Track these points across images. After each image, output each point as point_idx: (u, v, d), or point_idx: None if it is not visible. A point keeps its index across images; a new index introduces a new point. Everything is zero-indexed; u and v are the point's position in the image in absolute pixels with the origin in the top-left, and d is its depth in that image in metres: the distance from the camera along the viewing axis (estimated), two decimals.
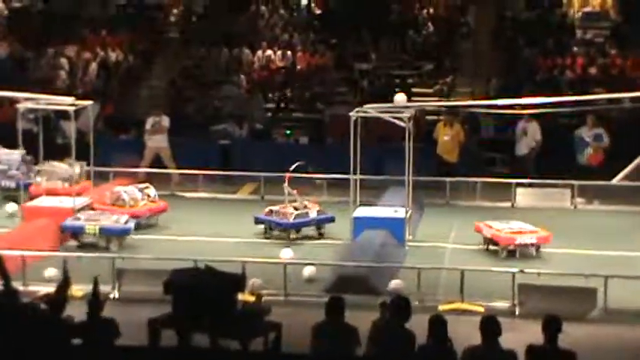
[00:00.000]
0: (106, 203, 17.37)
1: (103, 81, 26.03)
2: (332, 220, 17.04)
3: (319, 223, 17.03)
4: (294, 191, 17.05)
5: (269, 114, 25.24)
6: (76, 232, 16.07)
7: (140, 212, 17.28)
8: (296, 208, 16.86)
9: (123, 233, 15.99)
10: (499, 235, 15.58)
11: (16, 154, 18.79)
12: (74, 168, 17.82)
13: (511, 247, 15.41)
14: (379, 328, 9.42)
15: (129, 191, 17.43)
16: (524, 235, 15.48)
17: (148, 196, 17.62)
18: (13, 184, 18.65)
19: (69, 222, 16.10)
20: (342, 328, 9.38)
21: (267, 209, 17.02)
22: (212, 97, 25.75)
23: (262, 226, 17.03)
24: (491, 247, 15.82)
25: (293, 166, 16.98)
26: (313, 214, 16.94)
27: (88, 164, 18.10)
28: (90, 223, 15.97)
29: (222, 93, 25.54)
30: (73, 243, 15.99)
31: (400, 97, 17.16)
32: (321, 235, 16.95)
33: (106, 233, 15.87)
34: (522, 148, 21.12)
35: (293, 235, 16.69)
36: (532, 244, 15.51)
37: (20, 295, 9.29)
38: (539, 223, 16.16)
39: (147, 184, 18.05)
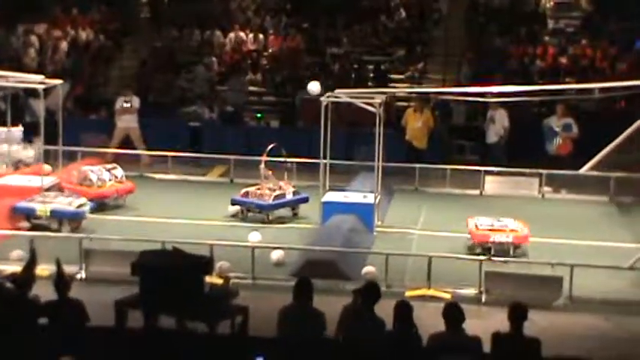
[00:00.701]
0: (73, 183, 17.27)
1: (72, 60, 25.84)
2: (306, 200, 17.15)
3: (296, 203, 17.12)
4: (270, 172, 17.01)
5: (246, 97, 25.15)
6: (28, 214, 15.85)
7: (107, 192, 17.22)
8: (272, 189, 16.83)
9: (75, 216, 15.76)
10: (474, 231, 15.08)
11: (18, 131, 18.78)
12: (28, 150, 17.76)
13: (486, 245, 14.79)
14: (350, 314, 9.45)
15: (96, 171, 17.33)
16: (500, 234, 14.86)
17: (116, 176, 17.52)
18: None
19: (21, 204, 15.88)
20: (309, 313, 9.40)
21: (242, 191, 16.96)
22: (183, 78, 25.65)
23: (237, 208, 16.97)
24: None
25: (269, 148, 16.95)
26: (290, 195, 17.00)
27: (45, 145, 17.83)
28: (42, 205, 15.77)
29: (195, 75, 25.44)
30: (25, 224, 15.77)
31: (314, 86, 17.06)
32: (295, 216, 16.98)
33: (58, 216, 15.65)
34: (491, 135, 21.22)
35: (271, 217, 16.71)
36: (508, 243, 14.77)
37: None
38: (506, 211, 16.24)
39: (114, 165, 17.96)
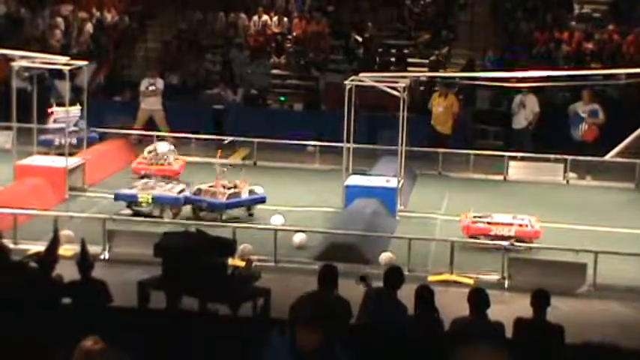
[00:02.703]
0: (145, 163, 17.88)
1: (98, 42, 25.89)
2: (263, 200, 16.00)
3: (251, 204, 15.89)
4: (224, 170, 16.03)
5: (271, 80, 25.13)
6: (130, 201, 15.72)
7: (178, 170, 17.90)
8: (227, 187, 15.70)
9: (176, 202, 15.59)
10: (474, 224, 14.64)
11: (76, 111, 18.80)
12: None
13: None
14: (371, 298, 9.43)
15: (166, 149, 17.95)
16: (503, 227, 14.46)
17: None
18: (74, 141, 18.51)
19: (123, 191, 15.87)
20: (334, 300, 9.37)
21: (195, 188, 15.87)
22: (208, 61, 25.66)
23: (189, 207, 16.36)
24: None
25: (226, 141, 16.78)
26: (245, 194, 15.80)
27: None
28: (143, 192, 15.67)
29: (230, 56, 25.41)
30: (126, 211, 15.73)
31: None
32: (251, 216, 16.08)
33: (160, 202, 15.55)
34: (520, 120, 20.97)
35: (225, 217, 15.49)
36: (510, 237, 14.13)
37: (11, 252, 9.30)
38: (530, 197, 16.17)
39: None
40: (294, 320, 5.58)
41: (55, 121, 18.65)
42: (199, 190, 15.74)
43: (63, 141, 17.77)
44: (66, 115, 18.19)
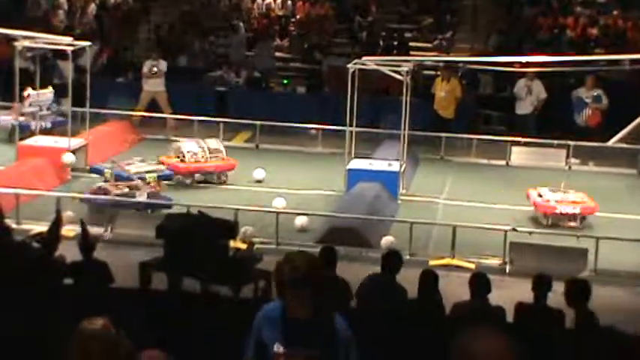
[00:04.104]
0: (170, 157, 16.93)
1: (101, 23, 25.86)
2: (169, 205, 14.25)
3: (146, 208, 14.32)
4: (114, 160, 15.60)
5: (274, 63, 25.07)
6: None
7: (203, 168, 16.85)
8: (119, 187, 14.55)
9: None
10: (541, 203, 14.99)
11: (49, 94, 18.73)
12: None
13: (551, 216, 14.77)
14: (369, 282, 9.45)
15: (190, 146, 17.00)
16: (565, 205, 14.83)
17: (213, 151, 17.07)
18: (48, 125, 18.49)
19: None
20: (334, 281, 9.39)
21: (95, 186, 14.83)
22: (212, 43, 25.61)
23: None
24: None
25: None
26: (142, 197, 14.31)
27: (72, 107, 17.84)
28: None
29: (232, 40, 25.34)
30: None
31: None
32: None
33: None
34: (526, 106, 20.80)
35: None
36: (574, 215, 14.76)
37: (13, 233, 9.31)
38: (533, 183, 16.16)
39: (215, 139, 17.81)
40: (282, 284, 5.29)
41: (30, 105, 18.44)
42: (99, 187, 14.64)
43: (39, 126, 17.85)
44: (38, 99, 18.22)
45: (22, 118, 17.98)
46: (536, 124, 20.82)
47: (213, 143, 17.32)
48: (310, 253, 5.74)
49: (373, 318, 7.74)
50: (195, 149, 16.88)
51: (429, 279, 9.02)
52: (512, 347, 3.38)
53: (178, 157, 16.79)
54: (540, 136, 19.78)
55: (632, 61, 17.26)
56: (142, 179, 15.10)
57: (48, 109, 18.68)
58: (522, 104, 20.80)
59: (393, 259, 9.55)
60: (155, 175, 15.63)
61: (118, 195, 14.20)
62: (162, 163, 16.63)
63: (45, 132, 18.08)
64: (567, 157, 19.41)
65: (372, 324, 7.31)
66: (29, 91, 18.42)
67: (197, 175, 16.71)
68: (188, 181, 16.60)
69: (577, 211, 14.81)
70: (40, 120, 18.21)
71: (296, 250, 6.11)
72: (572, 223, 14.75)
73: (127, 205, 14.14)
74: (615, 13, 25.37)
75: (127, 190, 14.41)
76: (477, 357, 3.31)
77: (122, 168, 15.56)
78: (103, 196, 14.24)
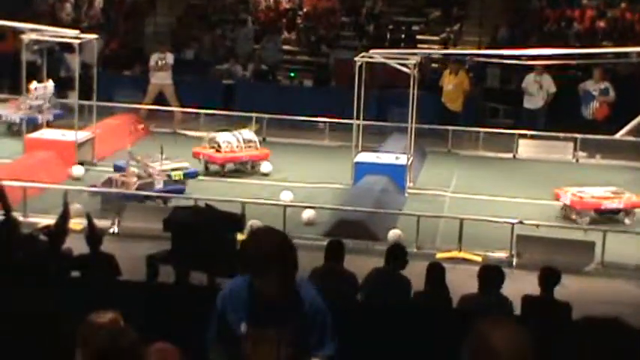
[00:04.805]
0: (205, 147, 17.00)
1: (108, 15, 25.88)
2: (182, 191, 14.98)
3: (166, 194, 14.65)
4: (139, 158, 15.27)
5: (281, 56, 25.07)
6: None
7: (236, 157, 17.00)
8: (139, 177, 14.76)
9: None
10: (579, 201, 14.69)
11: (50, 86, 18.74)
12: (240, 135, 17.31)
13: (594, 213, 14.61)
14: (375, 275, 9.47)
15: (225, 136, 17.07)
16: (610, 201, 14.66)
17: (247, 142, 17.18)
18: (51, 117, 18.51)
19: None
20: (341, 274, 9.40)
21: (105, 178, 14.91)
22: (219, 36, 25.61)
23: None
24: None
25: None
26: (160, 185, 14.69)
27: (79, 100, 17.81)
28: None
29: (238, 33, 25.34)
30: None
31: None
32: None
33: None
34: (538, 101, 20.51)
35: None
36: (619, 210, 14.64)
37: (21, 226, 9.32)
38: (540, 176, 16.16)
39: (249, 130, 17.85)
40: (246, 261, 4.95)
41: (36, 98, 18.43)
42: (110, 180, 14.73)
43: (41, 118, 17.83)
44: (44, 92, 18.22)
45: (27, 112, 18.08)
46: (545, 117, 20.70)
47: (247, 134, 17.46)
48: (277, 230, 5.36)
49: (378, 310, 7.75)
50: (231, 139, 17.03)
51: (437, 272, 9.03)
52: (529, 339, 3.39)
53: (213, 147, 16.89)
54: (547, 129, 19.75)
55: None
56: (169, 177, 14.98)
57: (49, 101, 18.69)
58: (533, 99, 20.53)
59: (396, 253, 9.58)
60: (181, 172, 15.41)
61: (140, 186, 14.41)
62: (197, 155, 16.82)
63: (48, 125, 18.08)
64: (575, 150, 19.39)
65: (378, 317, 7.33)
66: (35, 84, 18.45)
67: (229, 165, 16.86)
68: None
69: (620, 206, 14.64)
70: (46, 113, 18.20)
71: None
72: (627, 221, 14.65)
73: (139, 197, 14.29)
74: (623, 5, 25.31)
75: (147, 180, 14.64)
76: (496, 348, 3.31)
77: (146, 165, 15.18)
78: (113, 189, 14.35)
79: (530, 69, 20.59)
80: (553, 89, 20.45)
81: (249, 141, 17.23)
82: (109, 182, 14.65)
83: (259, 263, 4.86)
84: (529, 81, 20.57)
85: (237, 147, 17.01)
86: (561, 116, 20.21)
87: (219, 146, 16.86)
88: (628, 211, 14.74)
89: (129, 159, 14.99)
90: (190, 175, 15.64)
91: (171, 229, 10.44)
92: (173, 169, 15.36)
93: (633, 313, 11.12)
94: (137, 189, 14.41)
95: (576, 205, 14.67)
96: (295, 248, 5.03)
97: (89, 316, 4.51)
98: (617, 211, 14.73)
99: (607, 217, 14.64)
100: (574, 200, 14.72)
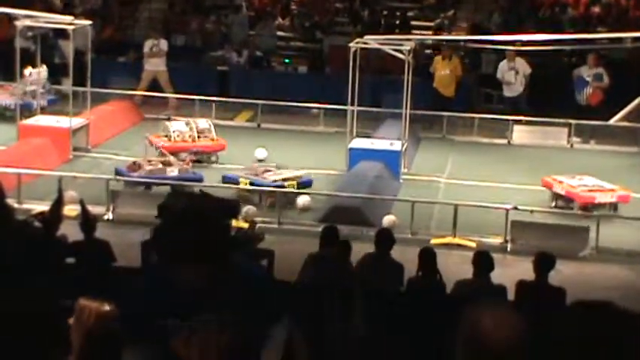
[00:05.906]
0: (159, 137, 16.78)
1: (102, 1, 25.81)
2: (201, 179, 14.65)
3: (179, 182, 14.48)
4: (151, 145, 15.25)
5: (276, 42, 25.02)
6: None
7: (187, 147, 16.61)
8: (153, 164, 14.78)
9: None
10: (576, 192, 14.44)
11: (44, 72, 18.66)
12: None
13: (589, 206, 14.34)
14: (366, 260, 9.49)
15: (177, 125, 16.90)
16: (604, 194, 14.39)
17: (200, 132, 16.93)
18: (45, 103, 18.43)
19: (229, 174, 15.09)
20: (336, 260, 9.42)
21: (131, 162, 14.96)
22: (213, 22, 25.55)
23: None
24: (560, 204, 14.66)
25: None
26: (173, 172, 14.70)
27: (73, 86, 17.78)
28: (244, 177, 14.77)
29: (232, 19, 25.27)
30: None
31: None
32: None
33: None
34: (517, 87, 20.28)
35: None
36: (611, 204, 14.36)
37: (15, 212, 9.29)
38: (535, 161, 16.18)
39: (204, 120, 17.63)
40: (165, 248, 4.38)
41: (30, 83, 18.36)
42: (134, 163, 14.78)
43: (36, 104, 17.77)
44: (38, 77, 18.17)
45: (21, 98, 17.92)
46: (529, 102, 20.52)
47: (203, 123, 17.24)
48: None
49: (368, 294, 7.75)
50: (183, 128, 16.81)
51: (428, 257, 9.05)
52: (522, 324, 3.39)
53: (166, 135, 16.76)
54: (541, 115, 19.73)
55: (634, 40, 17.21)
56: (281, 187, 14.40)
57: (43, 87, 18.64)
58: (513, 87, 20.26)
59: (381, 236, 9.63)
60: (295, 182, 14.71)
61: (150, 170, 14.41)
62: (151, 142, 16.52)
63: (42, 111, 18.04)
64: (569, 135, 19.42)
65: (369, 300, 7.33)
66: (29, 69, 18.40)
67: (184, 155, 16.18)
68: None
69: (614, 200, 14.39)
70: (40, 98, 18.16)
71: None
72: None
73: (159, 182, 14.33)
74: None
75: (160, 166, 14.64)
76: (488, 333, 3.31)
77: (260, 176, 14.73)
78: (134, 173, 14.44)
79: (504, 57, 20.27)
80: (528, 71, 20.16)
81: (204, 130, 16.97)
82: (132, 165, 14.65)
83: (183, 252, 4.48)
84: (504, 69, 20.23)
85: (189, 137, 16.73)
86: (555, 102, 20.22)
87: (169, 135, 16.69)
88: (615, 205, 14.47)
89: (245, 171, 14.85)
90: (304, 185, 14.87)
91: (162, 215, 10.42)
92: (285, 179, 14.73)
93: (627, 297, 11.16)
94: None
95: (574, 197, 14.40)
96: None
97: (81, 301, 4.52)
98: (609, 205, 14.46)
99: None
100: (569, 191, 14.47)
